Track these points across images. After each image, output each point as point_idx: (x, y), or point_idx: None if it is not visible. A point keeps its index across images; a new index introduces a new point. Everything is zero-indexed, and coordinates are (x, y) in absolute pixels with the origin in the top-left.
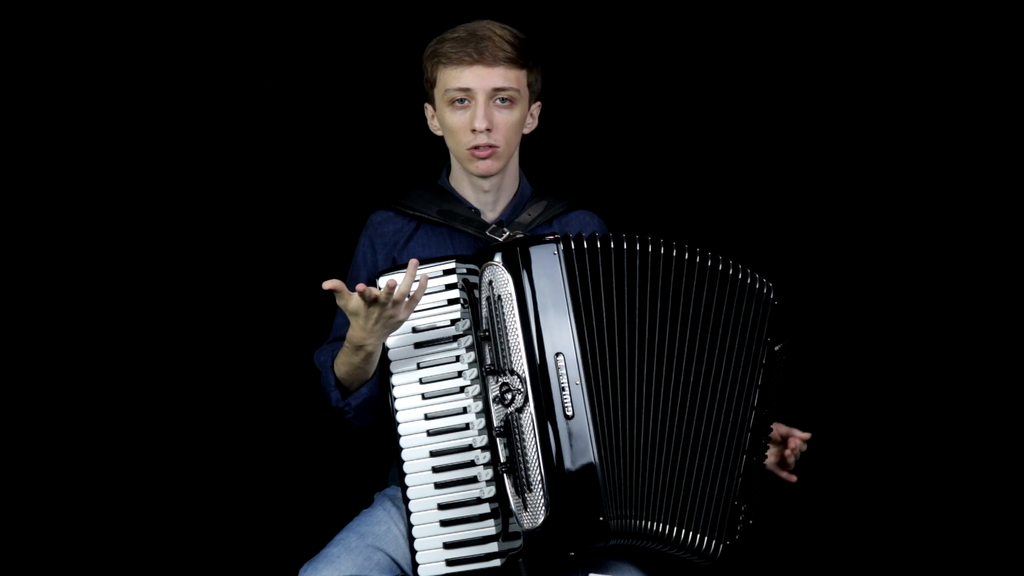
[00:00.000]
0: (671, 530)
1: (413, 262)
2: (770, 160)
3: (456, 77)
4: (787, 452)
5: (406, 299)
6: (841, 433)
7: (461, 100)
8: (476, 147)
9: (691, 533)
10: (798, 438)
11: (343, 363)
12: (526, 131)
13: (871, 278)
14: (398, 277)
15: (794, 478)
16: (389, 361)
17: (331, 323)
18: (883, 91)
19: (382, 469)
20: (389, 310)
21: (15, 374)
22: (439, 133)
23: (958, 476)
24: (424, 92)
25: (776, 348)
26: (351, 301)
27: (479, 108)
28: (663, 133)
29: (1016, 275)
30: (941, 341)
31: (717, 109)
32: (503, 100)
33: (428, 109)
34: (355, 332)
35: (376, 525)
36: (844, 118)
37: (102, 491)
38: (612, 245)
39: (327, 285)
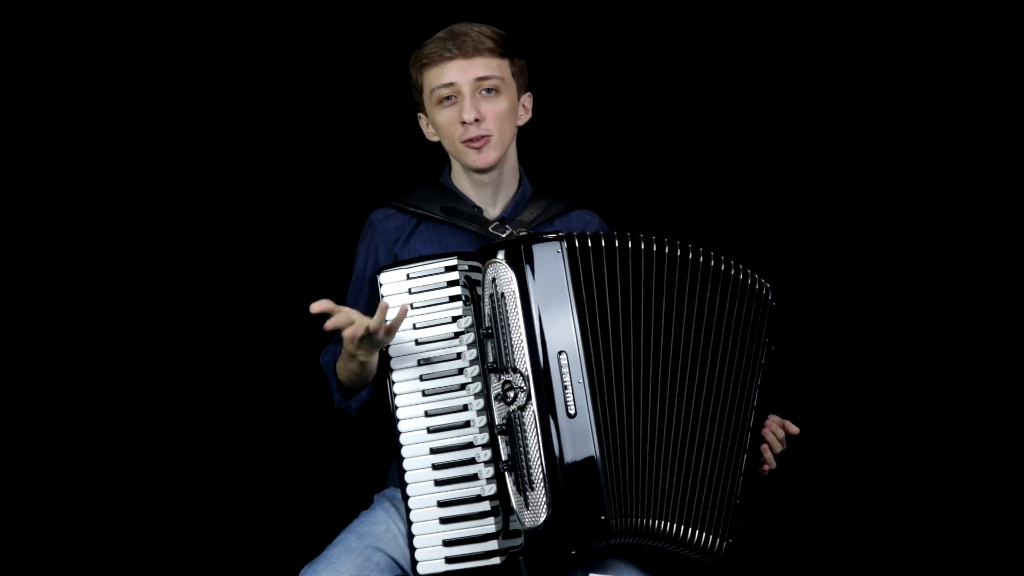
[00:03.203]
0: (677, 528)
1: (382, 305)
2: (768, 160)
3: (439, 75)
4: (762, 446)
5: (383, 329)
6: (837, 434)
7: (448, 97)
8: (470, 140)
9: (697, 531)
10: (778, 428)
11: (342, 368)
12: (520, 123)
13: (866, 280)
14: (390, 296)
15: (767, 469)
16: (390, 357)
17: None
18: (883, 91)
19: (382, 470)
20: (371, 337)
21: (15, 374)
22: (435, 139)
23: (956, 476)
24: (416, 104)
25: (772, 349)
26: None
27: (466, 100)
28: (662, 132)
29: (1015, 275)
30: (936, 342)
31: (715, 109)
32: (488, 91)
33: (422, 119)
34: (346, 343)
35: (375, 525)
36: (843, 118)
37: (102, 491)
38: (616, 244)
39: (315, 308)
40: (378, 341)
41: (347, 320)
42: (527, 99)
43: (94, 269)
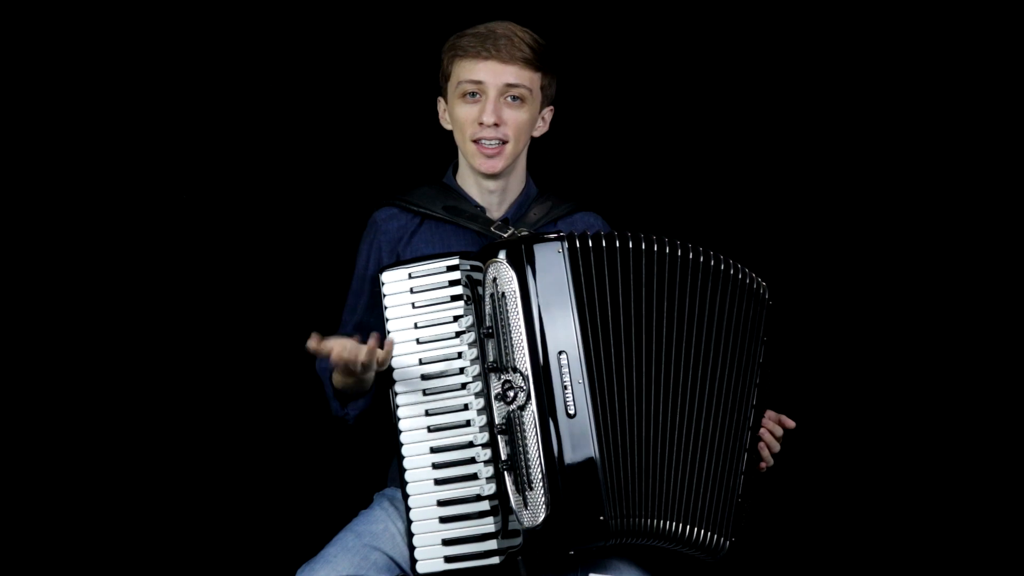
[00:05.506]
0: (681, 528)
1: (371, 345)
2: (764, 161)
3: (470, 70)
4: (760, 444)
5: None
6: (834, 430)
7: (473, 94)
8: (482, 141)
9: (701, 530)
10: (775, 425)
11: (338, 379)
12: (536, 134)
13: (861, 276)
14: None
15: (764, 466)
16: (391, 356)
17: (338, 319)
18: (881, 91)
19: (382, 470)
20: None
21: (15, 374)
22: (449, 128)
23: (952, 472)
24: (438, 87)
25: (769, 347)
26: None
27: (489, 103)
28: (662, 134)
29: (1013, 275)
30: (932, 337)
31: (714, 111)
32: (514, 98)
33: (440, 103)
34: (337, 374)
35: (374, 524)
36: (837, 118)
37: (102, 491)
38: (616, 244)
39: (312, 345)
40: (371, 372)
41: (338, 357)
42: (548, 112)
43: (95, 270)
